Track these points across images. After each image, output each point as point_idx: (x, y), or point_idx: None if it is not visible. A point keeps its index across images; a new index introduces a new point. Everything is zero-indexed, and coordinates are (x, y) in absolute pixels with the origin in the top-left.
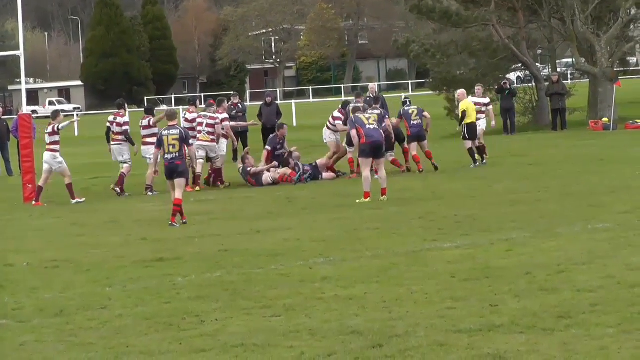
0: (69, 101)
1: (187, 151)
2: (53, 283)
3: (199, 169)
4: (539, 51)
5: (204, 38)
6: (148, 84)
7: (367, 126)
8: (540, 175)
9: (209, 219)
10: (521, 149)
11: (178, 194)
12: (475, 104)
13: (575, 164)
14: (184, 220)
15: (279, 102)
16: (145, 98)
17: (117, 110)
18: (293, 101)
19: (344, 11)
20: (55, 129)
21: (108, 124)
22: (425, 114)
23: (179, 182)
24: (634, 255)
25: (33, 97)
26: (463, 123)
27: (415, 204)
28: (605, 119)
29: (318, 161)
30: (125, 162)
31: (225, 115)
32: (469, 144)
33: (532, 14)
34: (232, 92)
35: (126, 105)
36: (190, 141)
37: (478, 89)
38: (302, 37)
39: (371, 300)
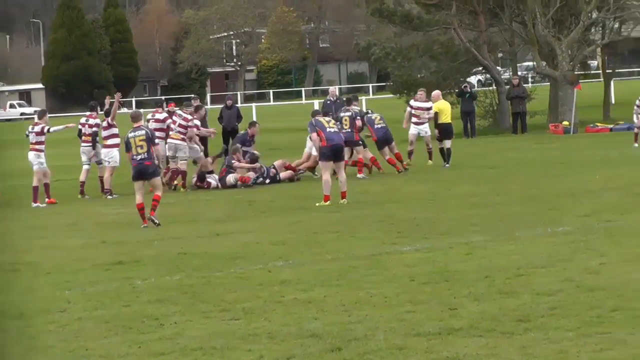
0: (29, 104)
1: (154, 151)
2: (13, 286)
3: (183, 168)
4: (500, 54)
5: (165, 41)
6: (109, 86)
7: (328, 129)
8: (500, 179)
9: (169, 221)
10: (481, 152)
11: (158, 192)
12: (418, 108)
13: (536, 167)
14: (151, 217)
15: (239, 105)
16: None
17: (89, 112)
18: (254, 104)
19: (305, 14)
20: (45, 130)
21: (80, 126)
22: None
23: (155, 182)
24: (593, 259)
25: None
26: (439, 122)
27: (375, 207)
28: (565, 123)
29: (276, 163)
30: (100, 163)
31: (198, 122)
32: (442, 144)
33: (493, 17)
34: (192, 95)
35: (99, 108)
36: (157, 140)
37: (420, 93)
38: (263, 40)
39: (330, 303)
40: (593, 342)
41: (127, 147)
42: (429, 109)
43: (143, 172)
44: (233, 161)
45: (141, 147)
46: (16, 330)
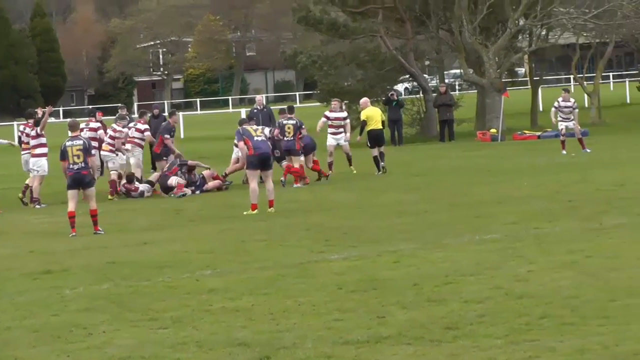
0: None
1: (90, 161)
2: None
3: (112, 177)
4: (427, 62)
5: (92, 50)
6: (36, 96)
7: (255, 138)
8: (427, 187)
9: None
10: (409, 160)
11: (92, 205)
12: (335, 119)
13: (463, 175)
14: (96, 231)
15: (166, 114)
16: (40, 108)
17: (26, 121)
18: (181, 113)
19: (231, 23)
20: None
21: (19, 134)
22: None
23: (89, 192)
24: (521, 266)
25: None
26: (365, 130)
27: (303, 216)
28: (493, 130)
29: (205, 173)
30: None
31: (147, 126)
32: (374, 151)
33: (420, 25)
34: (119, 105)
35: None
36: (93, 151)
37: (335, 103)
38: (189, 49)
39: (258, 312)
40: (522, 349)
41: (63, 155)
42: (345, 118)
43: (79, 181)
44: (187, 161)
45: (78, 156)
46: None
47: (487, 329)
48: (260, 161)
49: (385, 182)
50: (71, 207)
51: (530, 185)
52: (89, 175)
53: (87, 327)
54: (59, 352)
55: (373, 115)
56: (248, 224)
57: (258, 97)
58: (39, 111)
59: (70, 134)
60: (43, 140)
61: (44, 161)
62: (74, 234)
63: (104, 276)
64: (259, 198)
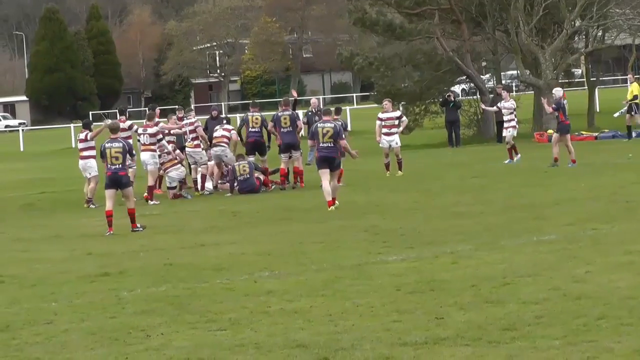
0: (14, 116)
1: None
2: None
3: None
4: (484, 63)
5: (148, 52)
6: (92, 98)
7: (321, 144)
8: (483, 188)
9: (154, 232)
10: (465, 161)
11: (130, 204)
12: (387, 119)
13: (519, 176)
14: (134, 229)
15: (224, 116)
16: (90, 113)
17: (119, 117)
18: (238, 115)
19: (288, 25)
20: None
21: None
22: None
23: (127, 192)
24: (579, 267)
25: None
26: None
27: (360, 218)
28: (550, 131)
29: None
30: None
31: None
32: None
33: (476, 26)
34: (176, 107)
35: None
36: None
37: (386, 103)
38: (246, 51)
39: (316, 313)
40: (579, 350)
41: (102, 155)
42: (399, 117)
43: (117, 182)
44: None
45: (116, 158)
46: (2, 343)
47: (545, 330)
48: (324, 160)
49: (441, 183)
50: (109, 206)
51: (587, 187)
52: (126, 177)
53: (144, 329)
54: (117, 355)
55: None
56: (305, 226)
57: (313, 99)
58: (107, 121)
59: (111, 135)
60: (92, 143)
61: (93, 162)
62: (110, 232)
63: (161, 278)
64: (330, 194)
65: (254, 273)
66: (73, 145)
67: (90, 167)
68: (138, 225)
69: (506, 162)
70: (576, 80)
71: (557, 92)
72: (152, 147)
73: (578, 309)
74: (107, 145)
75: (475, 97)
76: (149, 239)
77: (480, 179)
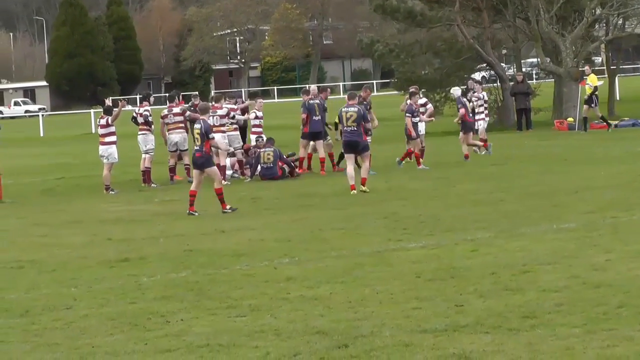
0: (34, 102)
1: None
2: (18, 283)
3: (240, 157)
4: (504, 51)
5: (168, 38)
6: (112, 84)
7: (344, 127)
8: (503, 176)
9: (173, 219)
10: None
11: (216, 184)
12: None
13: (539, 164)
14: (227, 209)
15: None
16: (110, 98)
17: (141, 103)
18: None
19: (308, 11)
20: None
21: (134, 114)
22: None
23: (209, 172)
24: (598, 255)
25: None
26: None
27: (379, 205)
28: (570, 119)
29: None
30: (147, 153)
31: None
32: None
33: (497, 14)
34: (194, 93)
35: (151, 98)
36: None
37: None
38: (266, 37)
39: (336, 300)
40: (599, 338)
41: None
42: (424, 104)
43: (194, 163)
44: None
45: (197, 139)
46: (21, 328)
47: (565, 318)
48: (348, 145)
49: (460, 171)
50: (193, 186)
51: (607, 175)
52: (202, 157)
53: (164, 315)
54: (136, 340)
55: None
56: (324, 212)
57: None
58: (109, 100)
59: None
60: (112, 129)
61: (113, 148)
62: (192, 211)
63: (181, 264)
64: (353, 179)
65: (273, 259)
66: (93, 131)
67: (111, 153)
68: (228, 206)
69: (483, 152)
70: (596, 68)
71: (455, 91)
72: (222, 128)
73: (598, 297)
74: (195, 126)
75: (495, 84)
76: (169, 224)
77: (499, 167)
